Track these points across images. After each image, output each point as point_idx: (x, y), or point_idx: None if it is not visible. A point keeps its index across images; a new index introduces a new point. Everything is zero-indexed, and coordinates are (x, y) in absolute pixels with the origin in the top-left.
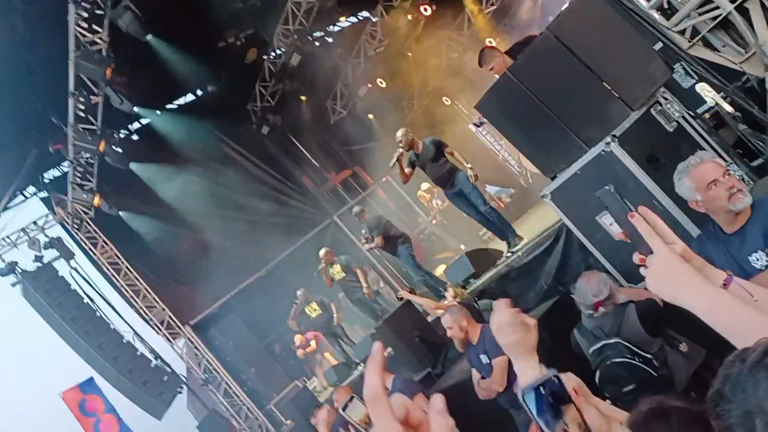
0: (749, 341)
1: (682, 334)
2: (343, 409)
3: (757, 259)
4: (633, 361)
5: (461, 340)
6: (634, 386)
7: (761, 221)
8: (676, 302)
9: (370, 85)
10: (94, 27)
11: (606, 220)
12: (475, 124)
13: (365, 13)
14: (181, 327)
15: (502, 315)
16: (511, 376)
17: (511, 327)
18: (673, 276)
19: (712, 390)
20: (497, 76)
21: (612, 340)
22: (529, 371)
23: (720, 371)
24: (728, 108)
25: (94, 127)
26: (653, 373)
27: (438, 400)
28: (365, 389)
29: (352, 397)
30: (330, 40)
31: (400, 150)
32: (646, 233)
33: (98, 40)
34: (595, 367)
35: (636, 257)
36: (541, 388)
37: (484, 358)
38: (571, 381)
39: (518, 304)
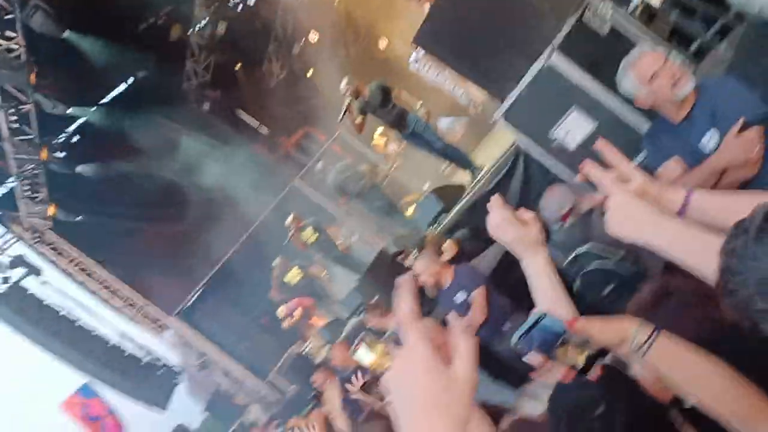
0: (712, 269)
1: None
2: (353, 354)
3: (710, 139)
4: (607, 264)
5: (432, 286)
6: (612, 287)
7: (707, 102)
8: (637, 242)
9: (302, 41)
10: (7, 33)
11: (560, 132)
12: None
13: None
14: (166, 318)
15: (495, 214)
16: (490, 307)
17: (506, 222)
18: (630, 218)
19: (719, 269)
20: (428, 6)
21: (584, 249)
22: (540, 266)
23: (722, 249)
24: (656, 0)
25: (31, 137)
26: (628, 270)
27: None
28: (397, 314)
29: (360, 342)
30: (252, 2)
31: (348, 99)
32: (598, 180)
33: (14, 45)
34: (572, 279)
35: (579, 177)
36: (532, 331)
37: (460, 297)
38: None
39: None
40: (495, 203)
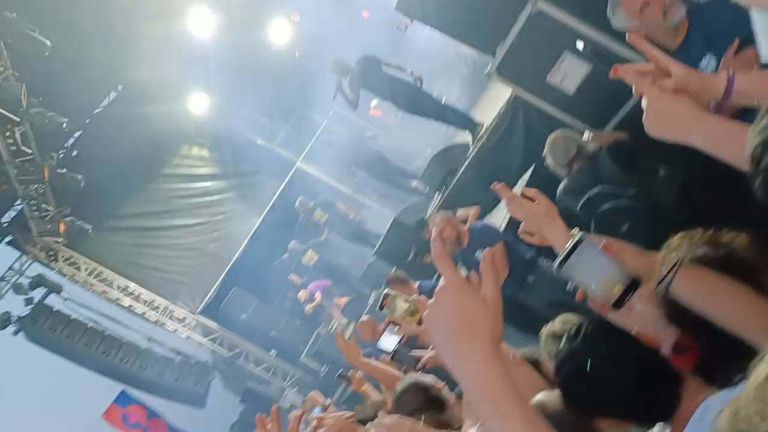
0: None
1: (657, 161)
2: (380, 309)
3: (707, 63)
4: (620, 202)
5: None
6: (629, 225)
7: (700, 27)
8: (678, 141)
9: None
10: None
11: (556, 78)
12: (399, 29)
13: None
14: (191, 316)
15: (504, 196)
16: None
17: (515, 201)
18: (668, 118)
19: (751, 154)
20: None
21: (595, 190)
22: (556, 234)
23: (750, 141)
24: None
25: (31, 157)
26: (642, 206)
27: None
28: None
29: (386, 297)
30: None
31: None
32: (633, 80)
33: (0, 68)
34: (587, 222)
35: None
36: (575, 252)
37: (479, 255)
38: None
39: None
40: (501, 187)
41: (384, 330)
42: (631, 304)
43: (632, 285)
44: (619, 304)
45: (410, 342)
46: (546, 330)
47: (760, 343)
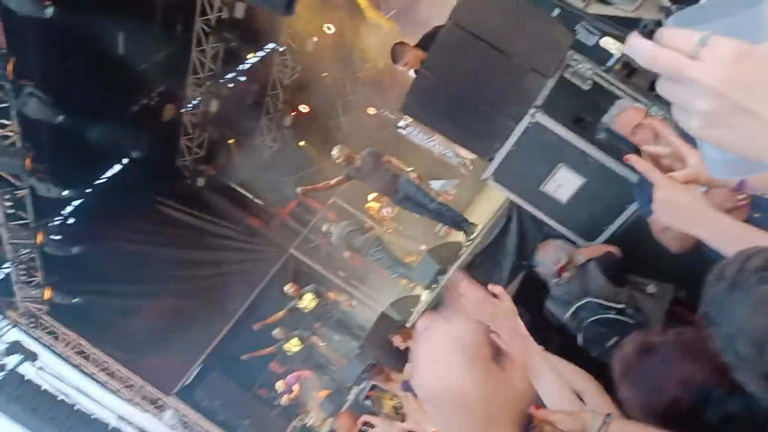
0: None
1: (647, 276)
2: (365, 398)
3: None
4: (608, 316)
5: None
6: (615, 339)
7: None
8: (686, 232)
9: (293, 113)
10: (2, 121)
11: (550, 187)
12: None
13: (271, 45)
14: (165, 398)
15: (469, 294)
16: None
17: (480, 301)
18: (676, 209)
19: (700, 311)
20: (412, 72)
21: (583, 301)
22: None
23: (704, 290)
24: None
25: (26, 221)
26: (629, 321)
27: None
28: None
29: (373, 388)
30: (243, 78)
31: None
32: (645, 171)
33: (9, 133)
34: (574, 332)
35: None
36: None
37: None
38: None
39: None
40: (465, 286)
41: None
42: None
43: None
44: None
45: None
46: None
47: None
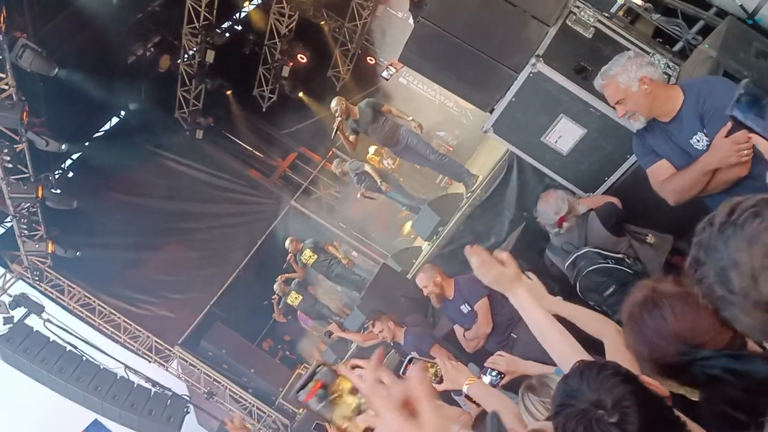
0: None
1: (646, 227)
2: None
3: (698, 141)
4: (606, 265)
5: (438, 296)
6: (613, 288)
7: (693, 104)
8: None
9: (291, 64)
10: None
11: (551, 139)
12: (384, 77)
13: None
14: (171, 348)
15: (475, 258)
16: (496, 317)
17: (485, 265)
18: None
19: (689, 259)
20: (411, 22)
21: (582, 250)
22: (522, 299)
23: (693, 240)
24: (638, 1)
25: (26, 175)
26: (628, 270)
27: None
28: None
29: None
30: (239, 27)
31: (338, 119)
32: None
33: (5, 86)
34: (573, 281)
35: None
36: None
37: (464, 308)
38: None
39: (489, 238)
40: (473, 249)
41: None
42: None
43: None
44: None
45: None
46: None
47: None
